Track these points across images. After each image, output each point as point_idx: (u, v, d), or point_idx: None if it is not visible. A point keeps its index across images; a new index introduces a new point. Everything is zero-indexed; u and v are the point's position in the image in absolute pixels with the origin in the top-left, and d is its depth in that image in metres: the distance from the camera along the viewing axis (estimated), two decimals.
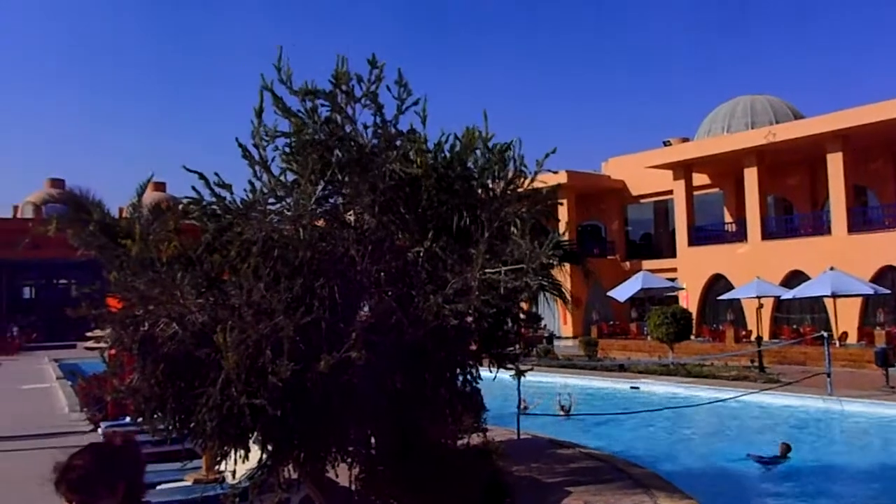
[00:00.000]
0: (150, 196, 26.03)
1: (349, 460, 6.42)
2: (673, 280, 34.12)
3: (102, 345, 6.85)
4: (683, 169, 36.13)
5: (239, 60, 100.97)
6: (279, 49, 6.88)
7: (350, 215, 6.93)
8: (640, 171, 38.77)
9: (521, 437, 12.12)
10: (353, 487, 6.84)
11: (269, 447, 5.98)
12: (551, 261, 5.87)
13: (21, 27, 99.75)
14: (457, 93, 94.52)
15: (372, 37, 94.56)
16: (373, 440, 6.74)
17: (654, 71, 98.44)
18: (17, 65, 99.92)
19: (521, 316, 6.74)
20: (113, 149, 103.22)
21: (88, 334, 13.43)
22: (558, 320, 38.04)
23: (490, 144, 6.78)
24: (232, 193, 6.29)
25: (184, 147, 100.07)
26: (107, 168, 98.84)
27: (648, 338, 28.98)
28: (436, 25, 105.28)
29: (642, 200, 41.87)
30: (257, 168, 6.52)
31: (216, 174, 6.50)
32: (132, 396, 5.83)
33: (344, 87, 6.73)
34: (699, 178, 37.11)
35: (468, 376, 6.62)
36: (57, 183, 56.69)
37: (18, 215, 58.54)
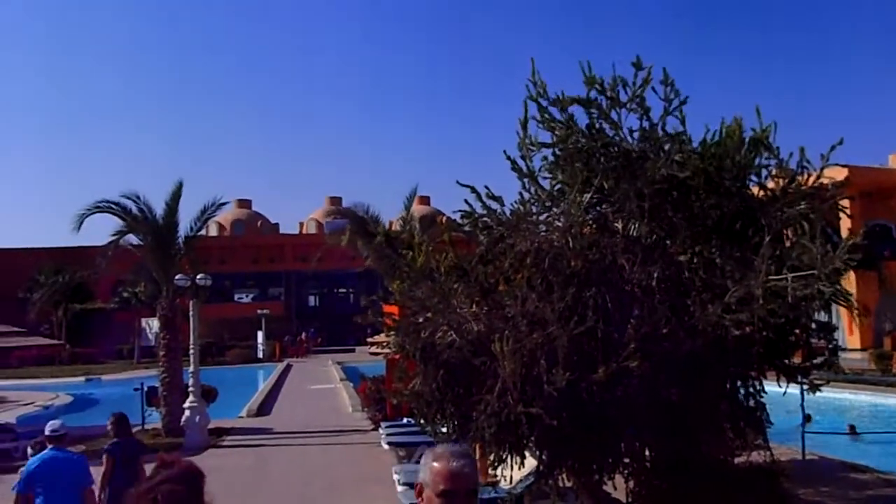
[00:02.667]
0: (416, 209, 27.52)
1: (624, 472, 6.29)
2: None
3: (386, 350, 7.33)
4: None
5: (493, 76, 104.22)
6: (532, 62, 6.97)
7: (617, 223, 6.82)
8: None
9: (807, 457, 11.16)
10: (628, 500, 6.69)
11: (544, 455, 6.04)
12: (848, 266, 5.32)
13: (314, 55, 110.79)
14: (720, 89, 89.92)
15: (623, 35, 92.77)
16: (647, 453, 6.55)
17: None
18: (307, 97, 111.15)
19: (812, 326, 6.19)
20: (383, 169, 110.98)
21: (369, 340, 14.48)
22: (843, 331, 34.61)
23: (766, 141, 6.34)
24: (503, 206, 6.47)
25: (448, 164, 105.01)
26: (376, 185, 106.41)
27: None
28: (692, 19, 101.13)
29: None
30: (525, 180, 6.65)
31: (486, 187, 6.73)
32: (415, 400, 6.17)
33: (609, 94, 6.66)
34: None
35: (751, 389, 6.21)
36: (335, 200, 61.90)
37: (303, 231, 64.89)
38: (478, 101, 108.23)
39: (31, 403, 25.64)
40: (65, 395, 29.29)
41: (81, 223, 17.90)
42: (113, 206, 17.74)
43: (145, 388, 19.15)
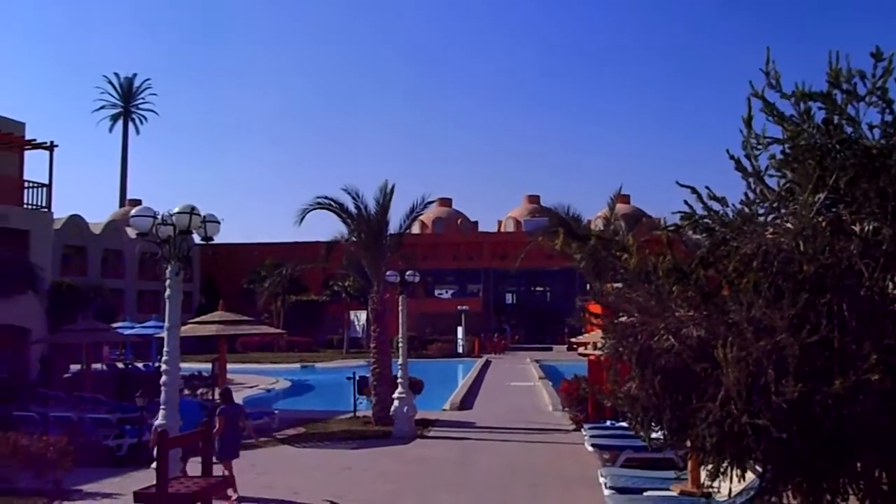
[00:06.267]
0: (618, 208, 27.10)
1: (859, 495, 5.83)
2: None
3: (597, 351, 7.27)
4: None
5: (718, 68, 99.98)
6: (767, 51, 6.60)
7: (855, 225, 6.33)
8: None
9: None
10: None
11: (769, 470, 5.73)
12: None
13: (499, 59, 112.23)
14: None
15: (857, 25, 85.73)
16: (885, 476, 6.03)
17: None
18: (488, 92, 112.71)
19: None
20: (580, 167, 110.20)
21: (572, 340, 14.42)
22: None
23: None
24: (725, 206, 6.20)
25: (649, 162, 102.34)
26: (573, 182, 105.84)
27: None
28: None
29: None
30: (751, 180, 6.33)
31: (707, 188, 6.48)
32: (631, 405, 6.06)
33: (845, 86, 6.20)
34: None
35: None
36: (533, 199, 62.21)
37: (502, 229, 65.79)
38: (679, 100, 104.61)
39: (256, 386, 28.01)
40: (284, 380, 31.73)
41: (303, 218, 19.19)
42: (332, 203, 18.91)
43: (356, 378, 20.29)
